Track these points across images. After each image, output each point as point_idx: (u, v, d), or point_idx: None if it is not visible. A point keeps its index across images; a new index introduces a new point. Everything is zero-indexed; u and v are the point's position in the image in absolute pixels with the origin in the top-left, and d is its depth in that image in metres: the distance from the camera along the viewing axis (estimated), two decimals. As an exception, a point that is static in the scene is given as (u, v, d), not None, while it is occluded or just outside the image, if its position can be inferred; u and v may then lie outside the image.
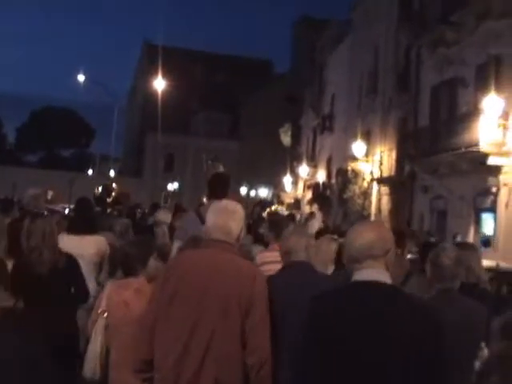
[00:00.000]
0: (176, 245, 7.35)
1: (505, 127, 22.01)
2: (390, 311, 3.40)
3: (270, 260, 7.10)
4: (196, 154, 65.34)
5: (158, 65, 44.82)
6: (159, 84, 47.56)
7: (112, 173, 67.22)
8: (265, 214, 28.73)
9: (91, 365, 5.55)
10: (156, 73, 47.49)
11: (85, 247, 7.53)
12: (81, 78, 54.11)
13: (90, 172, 79.61)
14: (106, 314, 5.56)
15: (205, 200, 11.66)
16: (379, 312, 3.38)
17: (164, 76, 47.58)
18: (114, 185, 44.38)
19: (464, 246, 7.07)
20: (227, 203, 5.02)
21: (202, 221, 6.43)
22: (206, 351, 4.41)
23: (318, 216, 38.19)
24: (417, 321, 3.38)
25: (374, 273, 3.52)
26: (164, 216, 12.51)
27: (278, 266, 6.24)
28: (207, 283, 4.50)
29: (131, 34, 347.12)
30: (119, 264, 6.04)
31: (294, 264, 5.30)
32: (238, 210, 4.89)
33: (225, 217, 4.77)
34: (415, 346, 3.31)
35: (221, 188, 7.64)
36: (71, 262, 6.71)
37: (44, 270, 6.32)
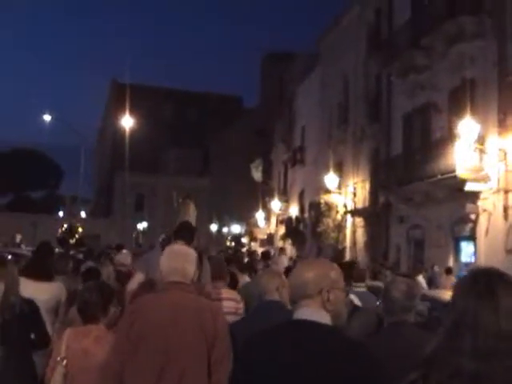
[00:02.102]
0: (138, 276, 7.95)
1: (481, 151, 21.43)
2: (322, 352, 3.32)
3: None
4: (166, 192, 64.46)
5: (126, 103, 44.14)
6: (127, 122, 46.90)
7: (83, 214, 66.24)
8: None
9: None
10: (124, 111, 46.80)
11: (39, 292, 7.32)
12: (47, 118, 53.21)
13: (61, 214, 78.32)
14: (65, 362, 5.28)
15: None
16: (310, 353, 3.31)
17: (132, 114, 46.98)
18: (77, 225, 43.47)
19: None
20: (180, 247, 5.43)
21: None
22: None
23: (289, 251, 37.72)
24: (350, 360, 3.28)
25: (309, 312, 3.48)
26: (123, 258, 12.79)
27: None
28: (172, 324, 4.61)
29: (100, 73, 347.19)
30: (78, 311, 5.71)
31: (266, 303, 5.47)
32: (191, 253, 5.16)
33: (180, 260, 4.98)
34: None
35: (187, 232, 8.04)
36: (32, 307, 6.50)
37: (8, 316, 6.06)
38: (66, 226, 43.05)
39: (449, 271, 21.32)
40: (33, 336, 6.45)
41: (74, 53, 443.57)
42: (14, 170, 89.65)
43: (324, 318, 3.47)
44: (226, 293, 8.14)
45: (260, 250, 35.37)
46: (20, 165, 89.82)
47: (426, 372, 2.39)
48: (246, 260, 20.77)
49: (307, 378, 3.25)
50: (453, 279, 20.52)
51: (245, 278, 12.46)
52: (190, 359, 4.57)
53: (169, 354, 4.55)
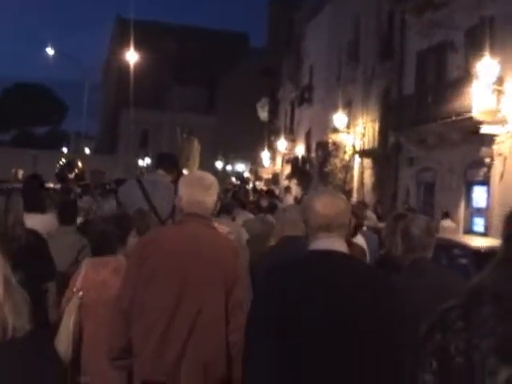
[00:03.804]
0: (107, 204, 8.29)
1: (499, 93, 20.71)
2: (356, 283, 3.38)
3: None
4: (171, 129, 64.14)
5: (131, 39, 43.30)
6: (131, 58, 46.19)
7: (87, 150, 65.78)
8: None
9: (64, 345, 5.25)
10: (128, 47, 46.03)
11: (30, 224, 6.71)
12: (50, 51, 52.40)
13: (65, 150, 77.95)
14: (81, 293, 5.31)
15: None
16: (345, 285, 3.35)
17: (137, 50, 46.28)
18: (71, 159, 43.02)
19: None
20: (202, 176, 4.86)
21: (141, 186, 7.63)
22: (190, 333, 4.26)
23: (295, 191, 37.33)
24: (378, 294, 3.36)
25: (337, 243, 3.49)
26: None
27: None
28: (189, 260, 4.37)
29: (104, 8, 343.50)
30: (96, 243, 5.70)
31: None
32: (213, 184, 4.74)
33: (201, 192, 4.61)
34: (377, 323, 3.27)
35: (169, 162, 8.22)
36: (37, 238, 6.31)
37: (16, 247, 5.76)
38: (63, 160, 42.48)
39: (446, 215, 20.91)
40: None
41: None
42: (17, 106, 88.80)
43: (346, 249, 3.53)
44: None
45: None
46: (23, 100, 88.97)
47: (469, 301, 2.31)
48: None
49: (347, 311, 3.27)
50: (450, 223, 20.13)
51: (246, 215, 12.02)
52: (209, 295, 4.32)
53: (183, 293, 4.32)
